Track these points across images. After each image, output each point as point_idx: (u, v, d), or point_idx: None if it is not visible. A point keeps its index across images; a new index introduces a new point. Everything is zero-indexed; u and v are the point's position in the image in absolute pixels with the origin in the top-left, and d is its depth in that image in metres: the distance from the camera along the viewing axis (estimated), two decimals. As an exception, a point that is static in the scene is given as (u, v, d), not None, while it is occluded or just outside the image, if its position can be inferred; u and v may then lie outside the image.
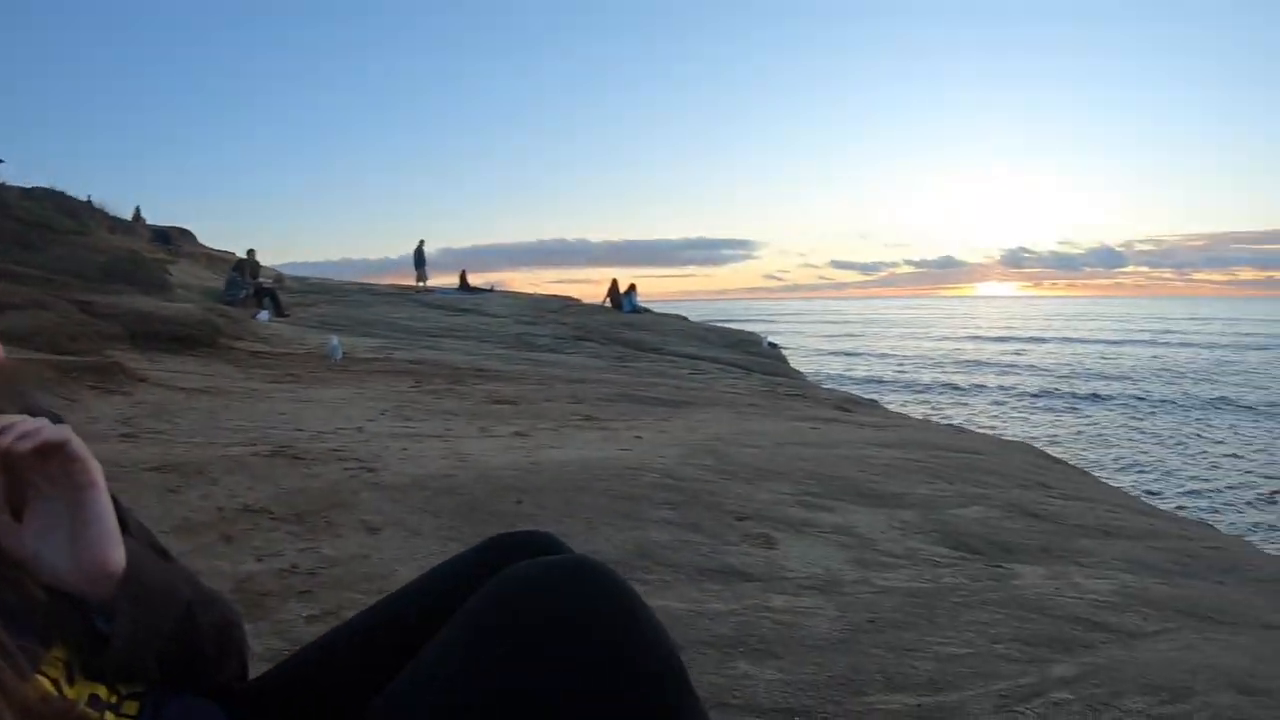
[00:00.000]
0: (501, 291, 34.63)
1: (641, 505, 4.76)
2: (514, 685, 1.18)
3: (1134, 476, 20.79)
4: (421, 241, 33.88)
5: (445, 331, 21.00)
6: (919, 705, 2.80)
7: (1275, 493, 5.81)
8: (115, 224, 31.92)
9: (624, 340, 21.11)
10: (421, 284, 33.90)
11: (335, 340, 15.23)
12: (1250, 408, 34.45)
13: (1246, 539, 6.34)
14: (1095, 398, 36.19)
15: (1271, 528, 17.10)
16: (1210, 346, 68.95)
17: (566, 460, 6.08)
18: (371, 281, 38.63)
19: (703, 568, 3.88)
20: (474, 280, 35.09)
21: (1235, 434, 28.23)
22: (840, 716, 2.68)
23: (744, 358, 20.31)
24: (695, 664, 2.92)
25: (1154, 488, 19.25)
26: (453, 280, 35.41)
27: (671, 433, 7.73)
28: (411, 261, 34.12)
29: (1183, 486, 20.12)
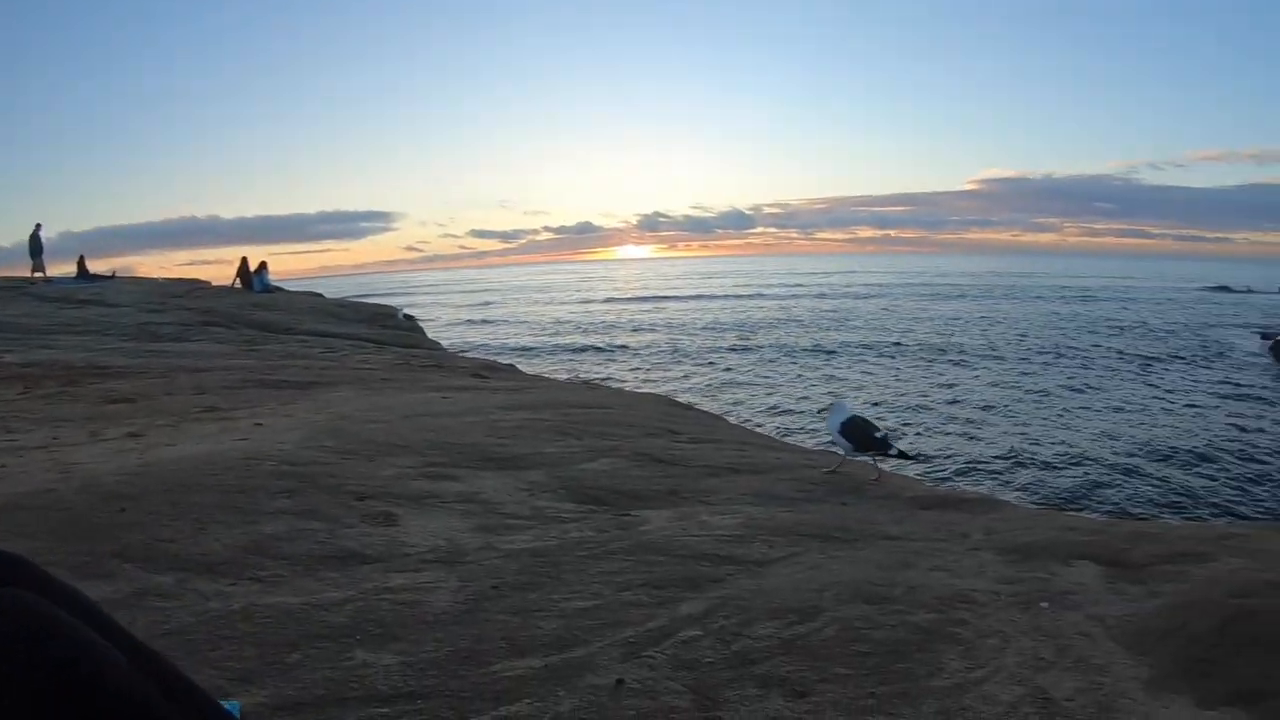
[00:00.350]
0: (125, 278, 32.01)
1: (256, 497, 4.44)
2: None
3: (770, 417, 22.12)
4: (38, 226, 30.38)
5: (62, 327, 19.09)
6: (545, 666, 2.75)
7: (822, 410, 6.37)
8: None
9: (253, 322, 20.05)
10: (39, 274, 30.65)
11: None
12: (869, 346, 37.83)
13: (869, 461, 6.78)
14: (732, 349, 38.35)
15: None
16: (834, 296, 74.97)
17: (180, 458, 5.62)
18: (-25, 276, 34.32)
19: (319, 556, 3.66)
20: (95, 267, 32.17)
21: (858, 371, 30.79)
22: (464, 692, 2.58)
23: (379, 332, 19.82)
24: (310, 660, 2.73)
25: (789, 425, 20.57)
26: (72, 268, 32.31)
27: (296, 416, 7.35)
28: (26, 250, 30.69)
29: (814, 421, 21.65)
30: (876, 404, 23.93)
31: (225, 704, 2.27)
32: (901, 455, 6.23)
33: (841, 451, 6.26)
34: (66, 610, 1.38)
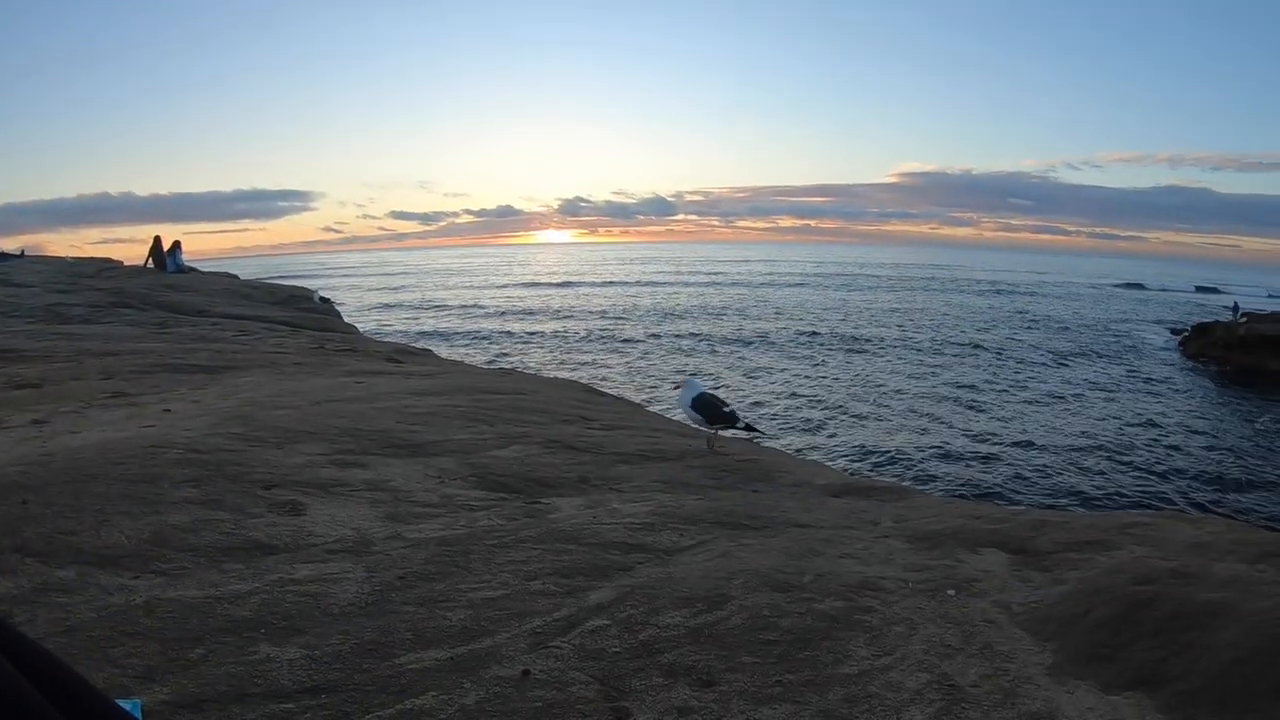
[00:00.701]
0: (34, 256, 31.30)
1: (161, 486, 4.34)
2: None
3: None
4: None
5: (-36, 308, 18.67)
6: (451, 658, 2.74)
7: (676, 388, 6.85)
8: None
9: (165, 304, 19.56)
10: None
11: None
12: (787, 335, 38.40)
13: (785, 449, 6.91)
14: (650, 335, 38.51)
15: (806, 433, 18.90)
16: (754, 285, 75.67)
17: (84, 446, 5.48)
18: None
19: (224, 547, 3.60)
20: (3, 245, 31.34)
21: (773, 359, 31.17)
22: (369, 685, 2.56)
23: (294, 315, 19.41)
24: (213, 655, 2.69)
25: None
26: (-18, 245, 31.40)
27: (204, 401, 7.21)
28: None
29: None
30: (793, 395, 24.20)
31: (126, 703, 2.22)
32: (749, 428, 6.71)
33: (695, 425, 6.80)
34: None
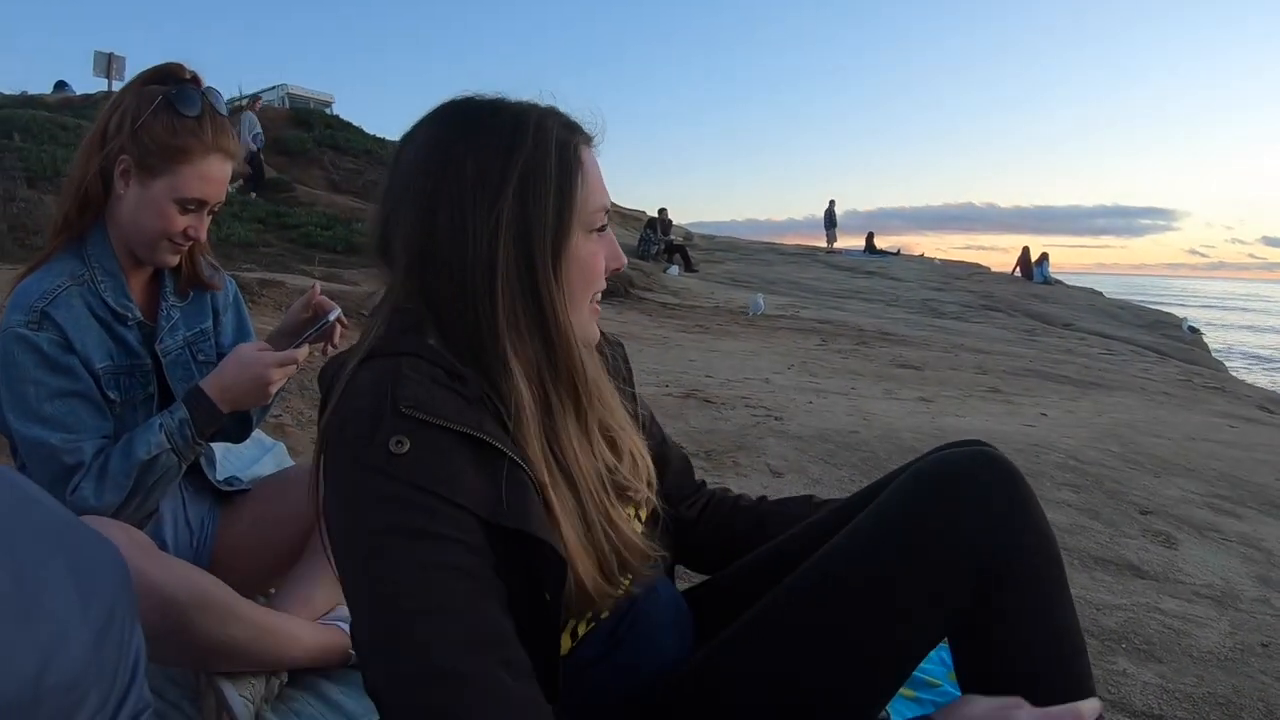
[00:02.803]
0: (906, 255, 34.41)
1: (1042, 483, 4.72)
2: (917, 539, 1.28)
3: None
4: (832, 202, 34.12)
5: (851, 293, 21.09)
6: (1292, 744, 2.65)
7: None
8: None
9: (1032, 313, 20.21)
10: (832, 245, 34.28)
11: (759, 298, 16.23)
12: None
13: None
14: None
15: None
16: None
17: (969, 429, 6.07)
18: (775, 241, 39.64)
19: (1097, 556, 3.83)
20: (879, 243, 34.93)
21: None
22: (1208, 734, 2.59)
23: (1160, 341, 18.68)
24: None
25: None
26: (857, 243, 35.55)
27: (1078, 414, 7.51)
28: (820, 222, 34.56)
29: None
30: None
31: None
32: None
33: None
34: None
